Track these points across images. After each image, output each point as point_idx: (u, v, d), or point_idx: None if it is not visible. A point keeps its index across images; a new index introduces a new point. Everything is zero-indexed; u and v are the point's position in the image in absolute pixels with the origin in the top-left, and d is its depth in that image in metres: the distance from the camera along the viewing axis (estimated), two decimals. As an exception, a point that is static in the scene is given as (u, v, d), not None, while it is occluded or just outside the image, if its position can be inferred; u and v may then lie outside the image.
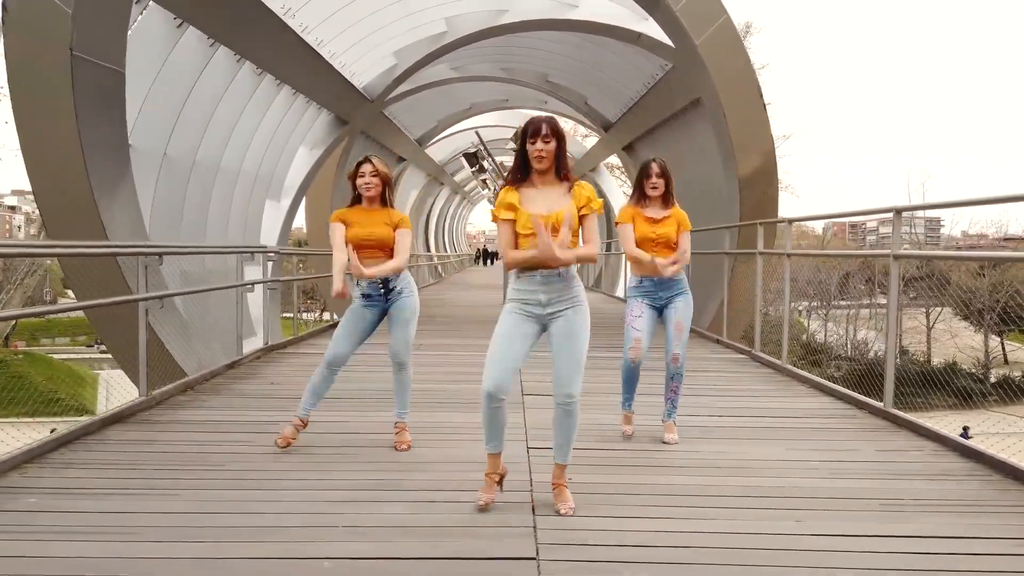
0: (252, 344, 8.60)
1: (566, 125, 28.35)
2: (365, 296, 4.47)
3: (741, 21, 49.16)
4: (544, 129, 3.40)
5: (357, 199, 4.49)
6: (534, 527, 3.25)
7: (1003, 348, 39.48)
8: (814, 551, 3.05)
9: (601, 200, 3.61)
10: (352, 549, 3.01)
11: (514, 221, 3.44)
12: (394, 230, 4.44)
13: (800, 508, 3.54)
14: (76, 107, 5.88)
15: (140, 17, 6.98)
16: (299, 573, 2.83)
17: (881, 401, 5.49)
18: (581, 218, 3.46)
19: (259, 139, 11.41)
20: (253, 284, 7.76)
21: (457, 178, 40.49)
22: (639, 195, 4.76)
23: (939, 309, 38.40)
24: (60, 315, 50.22)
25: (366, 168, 4.43)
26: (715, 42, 9.13)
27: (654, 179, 4.69)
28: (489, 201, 51.12)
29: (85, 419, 4.86)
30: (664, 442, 4.63)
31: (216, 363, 7.21)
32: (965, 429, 17.70)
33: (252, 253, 7.75)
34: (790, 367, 7.36)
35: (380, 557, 2.95)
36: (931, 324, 38.72)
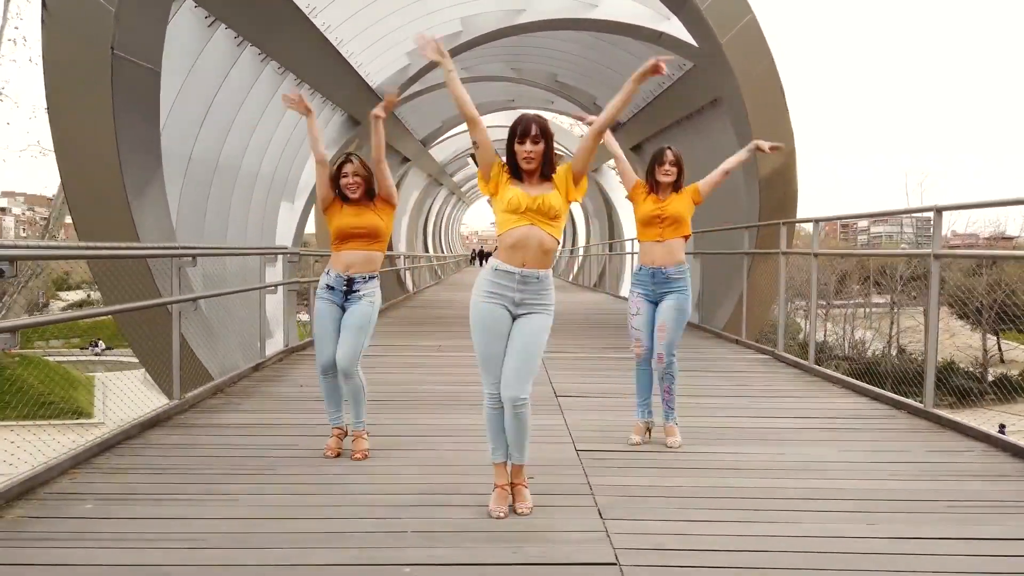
0: (272, 346, 8.53)
1: (565, 126, 28.36)
2: (328, 288, 4.39)
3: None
4: (534, 130, 3.30)
5: (341, 194, 4.39)
6: (606, 532, 3.21)
7: (999, 347, 39.69)
8: (889, 554, 3.02)
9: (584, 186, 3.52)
10: (430, 555, 2.97)
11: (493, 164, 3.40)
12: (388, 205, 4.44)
13: (869, 511, 3.50)
14: (114, 107, 5.79)
15: (173, 16, 6.88)
16: (380, 580, 2.78)
17: (920, 401, 5.48)
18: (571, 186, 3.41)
19: (277, 140, 11.34)
20: (276, 286, 7.69)
21: (456, 178, 40.43)
22: (651, 182, 4.63)
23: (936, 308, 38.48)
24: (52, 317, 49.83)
25: (348, 169, 4.35)
26: (740, 41, 9.10)
27: (667, 166, 4.57)
28: (489, 204, 50.97)
29: (126, 424, 4.78)
30: (667, 446, 4.50)
31: (238, 365, 7.15)
32: (1002, 427, 17.72)
33: (275, 254, 7.68)
34: (817, 367, 7.34)
35: (460, 563, 2.90)
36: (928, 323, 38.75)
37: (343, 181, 4.35)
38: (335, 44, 10.33)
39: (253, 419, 5.30)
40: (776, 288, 8.58)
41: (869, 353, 36.72)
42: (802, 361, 7.61)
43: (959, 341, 36.84)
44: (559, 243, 3.45)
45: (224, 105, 8.92)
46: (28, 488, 3.64)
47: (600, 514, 3.42)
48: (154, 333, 5.68)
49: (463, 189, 47.12)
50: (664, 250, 4.55)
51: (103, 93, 5.75)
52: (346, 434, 4.48)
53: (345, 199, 4.38)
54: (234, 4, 7.91)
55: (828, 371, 7.24)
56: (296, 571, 2.84)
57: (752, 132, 8.76)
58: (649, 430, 4.68)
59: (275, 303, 8.92)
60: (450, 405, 5.72)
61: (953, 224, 45.11)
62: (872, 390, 6.21)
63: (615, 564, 2.89)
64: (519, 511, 3.39)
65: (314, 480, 3.91)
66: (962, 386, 29.45)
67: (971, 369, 35.10)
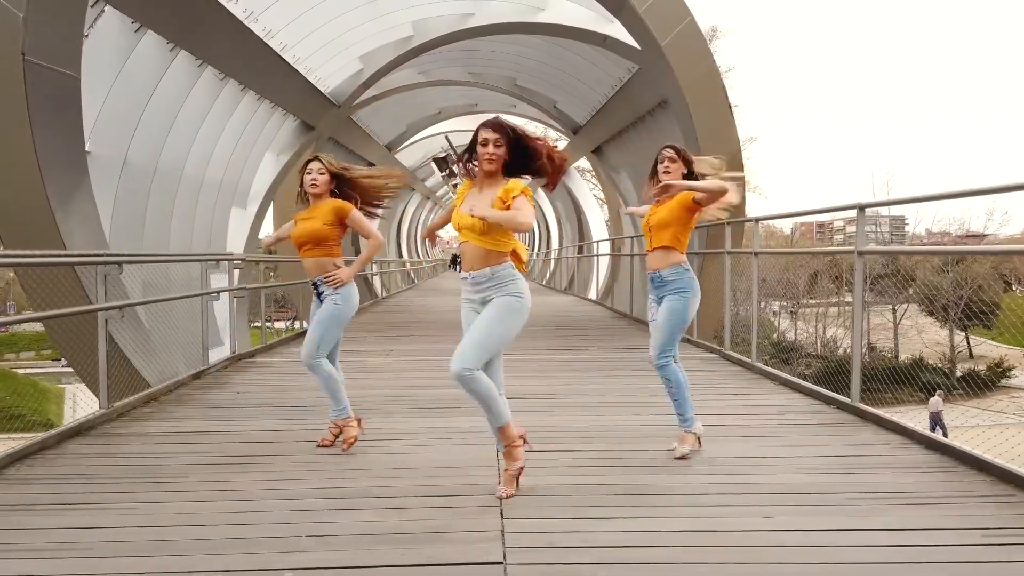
0: (220, 354, 8.46)
1: (537, 129, 28.45)
2: (313, 285, 4.57)
3: (707, 25, 49.72)
4: (493, 134, 3.44)
5: (306, 198, 4.53)
6: (502, 531, 3.21)
7: (968, 343, 40.28)
8: (783, 547, 3.06)
9: (523, 184, 3.55)
10: (317, 559, 2.95)
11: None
12: (340, 221, 4.46)
13: (768, 504, 3.54)
14: (30, 114, 5.73)
15: (97, 21, 6.81)
16: (262, 585, 2.76)
17: (848, 397, 5.54)
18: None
19: (223, 145, 11.24)
20: (218, 292, 7.63)
21: (428, 183, 40.39)
22: (655, 185, 4.45)
23: (905, 306, 39.09)
24: (23, 328, 49.12)
25: (313, 166, 4.49)
26: (680, 43, 9.18)
27: (666, 163, 4.44)
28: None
29: (43, 434, 4.72)
30: (674, 455, 4.29)
31: (179, 373, 7.08)
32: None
33: (217, 261, 7.62)
34: (760, 365, 7.40)
35: (345, 567, 2.89)
36: (897, 320, 39.38)
37: (305, 179, 4.47)
38: (278, 50, 10.27)
39: (180, 427, 5.25)
40: (728, 288, 8.64)
41: (840, 351, 37.13)
42: (745, 359, 7.68)
43: (927, 337, 37.42)
44: (496, 249, 3.56)
45: (160, 109, 8.83)
46: (-74, 500, 3.58)
47: (502, 514, 3.42)
48: (84, 341, 5.61)
49: (438, 194, 47.06)
50: (657, 255, 4.49)
51: (16, 99, 5.68)
52: (360, 423, 4.63)
53: (307, 202, 4.49)
54: (158, 8, 7.84)
55: (770, 369, 7.30)
56: (180, 578, 2.81)
57: (697, 133, 8.83)
58: (699, 439, 4.43)
59: (223, 310, 8.85)
60: (381, 409, 5.70)
61: (921, 223, 45.75)
62: (807, 387, 6.28)
63: (501, 563, 2.89)
64: (510, 471, 3.63)
65: (219, 487, 3.88)
66: (930, 382, 29.84)
67: (939, 365, 35.60)
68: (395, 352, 8.97)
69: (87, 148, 7.19)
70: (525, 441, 3.72)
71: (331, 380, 4.53)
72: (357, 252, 24.47)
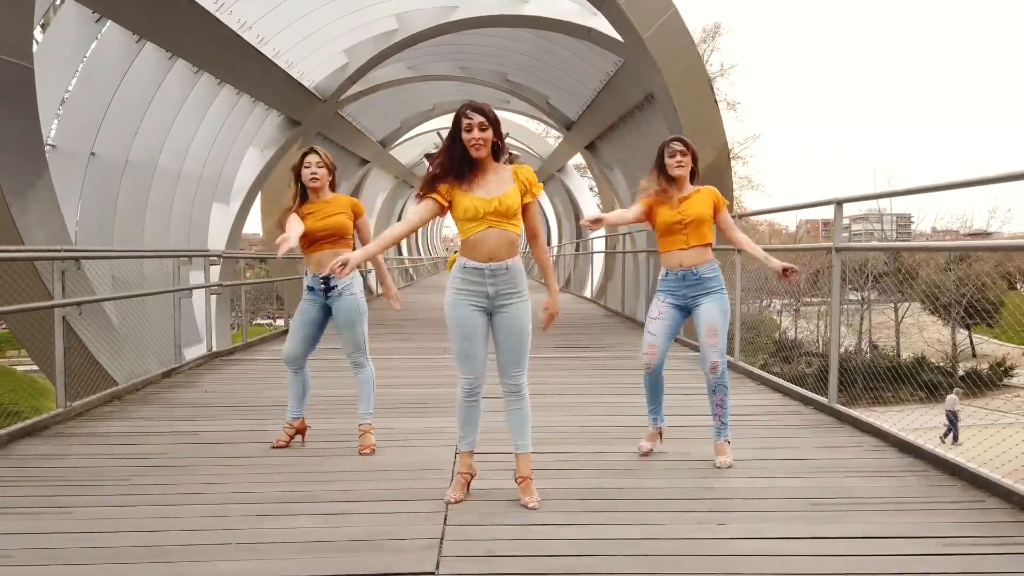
0: (197, 352, 8.34)
1: (531, 125, 28.30)
2: (309, 289, 4.39)
3: (710, 22, 49.48)
4: (478, 117, 3.26)
5: (302, 192, 4.37)
6: (441, 539, 3.07)
7: (971, 341, 40.00)
8: (734, 556, 2.92)
9: (541, 184, 3.51)
10: (241, 568, 2.82)
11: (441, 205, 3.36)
12: (354, 219, 4.42)
13: (727, 510, 3.39)
14: (-19, 107, 5.60)
15: (57, 12, 6.68)
16: (179, 596, 2.62)
17: (826, 397, 5.39)
18: (524, 207, 3.38)
19: (201, 139, 11.08)
20: (191, 289, 7.50)
21: (427, 181, 40.20)
22: (664, 180, 4.13)
23: (907, 304, 38.83)
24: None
25: (311, 159, 4.35)
26: (663, 36, 9.01)
27: (678, 156, 4.09)
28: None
29: (-7, 433, 4.59)
30: (716, 466, 4.03)
31: (150, 372, 6.95)
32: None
33: (190, 257, 7.48)
34: (743, 364, 7.26)
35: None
36: (899, 319, 39.12)
37: (305, 172, 4.31)
38: (254, 43, 10.10)
39: (138, 427, 5.12)
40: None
41: (841, 350, 36.92)
42: (728, 358, 7.52)
43: (929, 336, 37.14)
44: (519, 235, 3.44)
45: (128, 101, 8.67)
46: None
47: (445, 520, 3.28)
48: (46, 338, 5.49)
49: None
50: (694, 251, 4.09)
51: (-36, 90, 5.56)
52: (297, 431, 4.47)
53: (305, 198, 4.34)
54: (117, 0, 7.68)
55: (752, 368, 7.16)
56: (94, 588, 2.68)
57: (683, 127, 8.67)
58: (661, 433, 4.32)
59: (201, 308, 8.72)
60: (343, 411, 5.56)
61: (924, 220, 45.51)
62: (786, 387, 6.13)
63: (432, 574, 2.75)
64: (529, 506, 3.38)
65: (161, 490, 3.74)
66: (932, 380, 29.62)
67: (941, 364, 35.34)
68: (376, 351, 8.82)
69: (50, 142, 7.07)
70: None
71: (371, 380, 4.49)
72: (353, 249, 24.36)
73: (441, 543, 3.02)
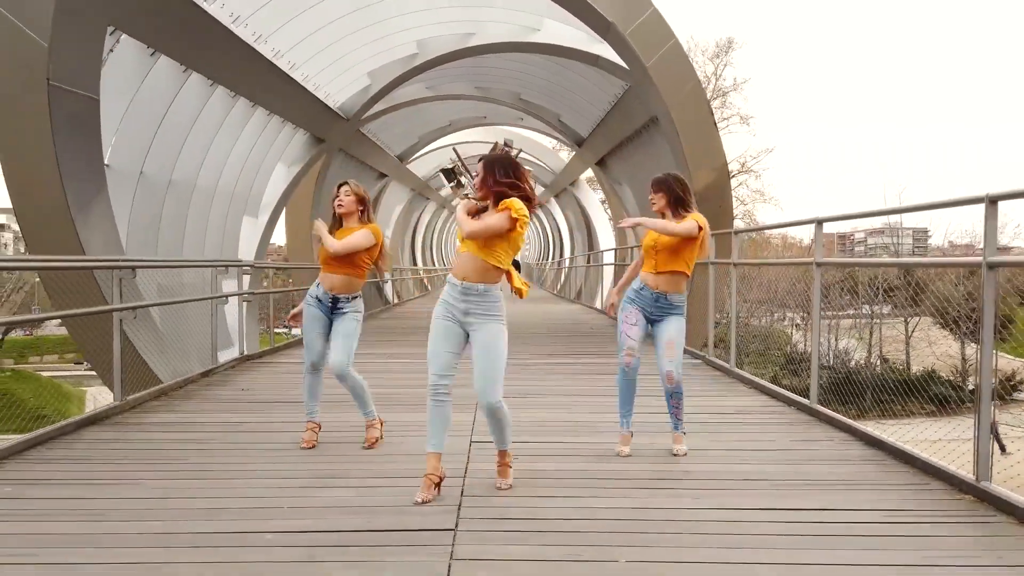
0: (230, 355, 8.97)
1: (544, 141, 28.89)
2: (317, 299, 4.89)
3: (723, 37, 49.89)
4: (482, 171, 3.79)
5: (338, 223, 4.88)
6: (459, 505, 3.64)
7: (979, 356, 39.89)
8: (705, 521, 3.46)
9: (515, 203, 3.68)
10: (294, 525, 3.39)
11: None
12: (373, 247, 4.82)
13: (702, 488, 3.94)
14: (53, 132, 6.30)
15: (116, 46, 7.39)
16: (244, 544, 3.20)
17: (808, 399, 5.91)
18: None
19: (235, 158, 11.84)
20: (227, 296, 8.13)
21: (443, 193, 41.00)
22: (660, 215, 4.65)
23: (916, 319, 39.00)
24: (47, 332, 50.26)
25: (342, 189, 4.88)
26: (664, 65, 9.62)
27: (651, 194, 4.65)
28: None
29: (62, 421, 5.21)
30: (674, 454, 4.56)
31: (192, 372, 7.58)
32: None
33: (226, 267, 8.15)
34: (737, 370, 7.77)
35: (316, 531, 3.33)
36: (910, 333, 39.31)
37: (336, 201, 4.83)
38: (286, 69, 10.84)
39: (185, 418, 5.73)
40: (712, 297, 9.03)
41: (852, 363, 37.11)
42: (725, 364, 8.06)
43: (939, 350, 37.29)
44: (496, 266, 3.72)
45: (175, 125, 9.42)
46: (-43, 475, 4.07)
47: (462, 492, 3.85)
48: (102, 340, 6.11)
49: (453, 203, 47.62)
50: (665, 279, 4.56)
51: (42, 120, 6.24)
52: (319, 427, 4.91)
53: (339, 224, 4.85)
54: (170, 35, 8.43)
55: (745, 374, 7.67)
56: (177, 538, 3.24)
57: (684, 148, 9.24)
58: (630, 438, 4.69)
59: (233, 314, 9.36)
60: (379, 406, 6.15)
61: (936, 233, 45.56)
62: (773, 390, 6.65)
63: (452, 530, 3.32)
64: (499, 486, 3.85)
65: (215, 467, 4.35)
66: (941, 394, 29.78)
67: (951, 378, 35.45)
68: (397, 355, 9.44)
69: (106, 162, 7.75)
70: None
71: (361, 386, 4.87)
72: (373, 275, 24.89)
73: (459, 508, 3.60)
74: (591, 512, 3.57)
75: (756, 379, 7.28)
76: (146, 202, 9.17)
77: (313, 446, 4.78)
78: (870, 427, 5.41)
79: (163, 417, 5.75)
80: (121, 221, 7.95)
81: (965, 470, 4.06)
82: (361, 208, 4.87)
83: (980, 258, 3.77)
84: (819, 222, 5.86)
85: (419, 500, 3.68)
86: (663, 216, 4.67)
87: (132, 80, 8.33)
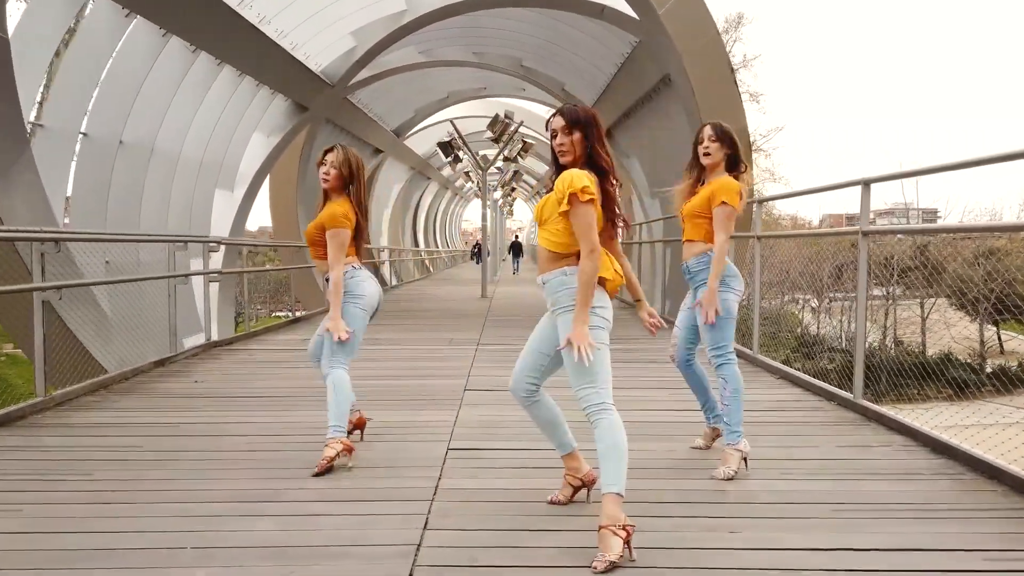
0: (197, 341, 8.11)
1: (546, 114, 27.82)
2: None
3: (733, 12, 48.74)
4: (559, 121, 2.89)
5: (325, 197, 3.96)
6: (419, 545, 2.76)
7: (999, 338, 39.08)
8: (744, 569, 2.57)
9: (576, 176, 2.82)
10: (189, 574, 2.52)
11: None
12: (324, 231, 3.85)
13: (740, 516, 3.05)
14: (-50, 79, 5.36)
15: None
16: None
17: (851, 392, 5.01)
18: (563, 214, 2.84)
19: (201, 123, 10.79)
20: (186, 276, 7.24)
21: (445, 172, 39.96)
22: (697, 170, 3.86)
23: (933, 300, 38.02)
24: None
25: (328, 157, 3.91)
26: (679, 11, 8.57)
27: (706, 142, 3.78)
28: (476, 195, 50.47)
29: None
30: (712, 476, 3.60)
31: (146, 360, 6.71)
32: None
33: (186, 242, 7.21)
34: (761, 358, 6.88)
35: (219, 586, 2.45)
36: (926, 315, 38.32)
37: (321, 173, 3.90)
38: (255, 22, 9.78)
39: (118, 418, 4.87)
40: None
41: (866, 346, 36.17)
42: (746, 351, 7.15)
43: (956, 332, 36.27)
44: (558, 249, 2.90)
45: (121, 80, 8.40)
46: None
47: (426, 524, 2.96)
48: (26, 324, 5.25)
49: (456, 184, 46.60)
50: (687, 246, 3.88)
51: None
52: (356, 425, 4.17)
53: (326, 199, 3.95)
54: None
55: (771, 362, 6.78)
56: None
57: (700, 109, 8.27)
58: (718, 434, 4.00)
59: (200, 295, 8.48)
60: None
61: (952, 214, 44.41)
62: (807, 380, 5.77)
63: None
64: (596, 568, 2.55)
65: (126, 486, 3.46)
66: (960, 378, 28.92)
67: (969, 361, 34.50)
68: (380, 340, 8.56)
69: (39, 121, 6.85)
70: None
71: (332, 388, 3.85)
72: (367, 241, 24.23)
73: (418, 549, 2.71)
74: (591, 554, 2.67)
75: (785, 368, 6.38)
76: (90, 168, 8.22)
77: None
78: (891, 411, 4.54)
79: (90, 417, 4.88)
80: (58, 188, 7.04)
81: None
82: (342, 181, 3.90)
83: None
84: (866, 183, 4.91)
85: (551, 499, 3.18)
86: (702, 172, 3.82)
87: (61, 23, 7.31)
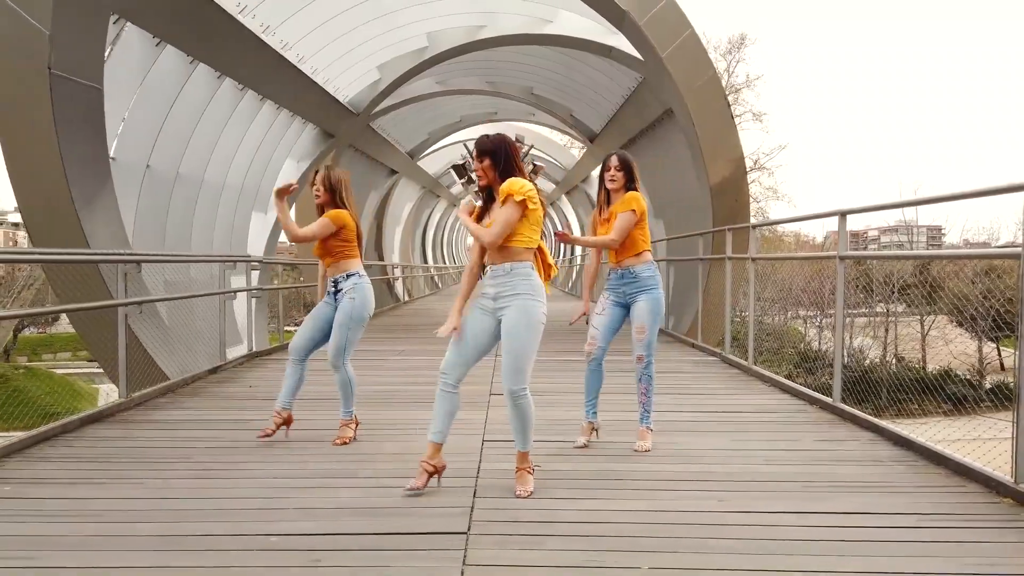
0: (238, 352, 8.85)
1: (554, 137, 28.69)
2: (334, 283, 4.83)
3: (736, 33, 49.64)
4: (475, 153, 3.67)
5: (321, 210, 4.80)
6: (471, 507, 3.48)
7: (999, 354, 39.54)
8: (731, 525, 3.28)
9: (517, 185, 3.56)
10: (300, 527, 3.24)
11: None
12: (336, 231, 4.71)
13: (726, 490, 3.76)
14: (56, 123, 6.18)
15: (120, 35, 7.26)
16: (248, 547, 3.05)
17: (831, 397, 5.72)
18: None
19: (243, 152, 11.71)
20: (236, 292, 8.01)
21: (454, 191, 40.85)
22: (604, 194, 4.64)
23: (933, 317, 38.55)
24: (61, 330, 50.54)
25: (317, 177, 4.77)
26: (680, 55, 9.41)
27: (613, 171, 4.54)
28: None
29: (64, 419, 5.09)
30: (635, 449, 4.48)
31: (199, 368, 7.46)
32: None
33: (234, 262, 8.01)
34: (755, 368, 7.57)
35: (324, 534, 3.17)
36: (926, 331, 38.86)
37: (313, 189, 4.76)
38: (295, 62, 10.70)
39: (190, 415, 5.61)
40: (729, 293, 8.84)
41: (867, 362, 36.74)
42: (743, 362, 7.86)
43: (955, 348, 36.80)
44: (516, 245, 3.62)
45: (181, 118, 9.30)
46: (-45, 473, 3.95)
47: (475, 494, 3.69)
48: (108, 335, 6.00)
49: (464, 201, 47.31)
50: (630, 261, 4.56)
51: (44, 110, 6.13)
52: (284, 421, 4.79)
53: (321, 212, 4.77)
54: (177, 24, 8.31)
55: (764, 372, 7.47)
56: (177, 540, 3.11)
57: (700, 141, 9.04)
58: (596, 430, 4.68)
59: (241, 310, 9.24)
60: (377, 402, 6.02)
61: (952, 231, 45.00)
62: (795, 388, 6.46)
63: (463, 533, 3.16)
64: (518, 493, 3.62)
65: (220, 466, 4.20)
66: (958, 393, 29.39)
67: (967, 376, 34.99)
68: (407, 352, 9.31)
69: (112, 155, 7.63)
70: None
71: (349, 383, 4.79)
72: (380, 258, 24.72)
73: (471, 511, 3.44)
74: (610, 515, 3.40)
75: (775, 376, 7.09)
76: (153, 196, 9.05)
77: (268, 435, 4.66)
78: (863, 413, 5.23)
79: (169, 415, 5.62)
80: (127, 215, 7.83)
81: (1002, 471, 3.88)
82: (330, 195, 4.73)
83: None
84: (843, 214, 5.65)
85: (409, 488, 3.62)
86: (612, 191, 4.59)
87: (137, 71, 8.21)
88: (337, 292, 4.78)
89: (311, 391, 6.44)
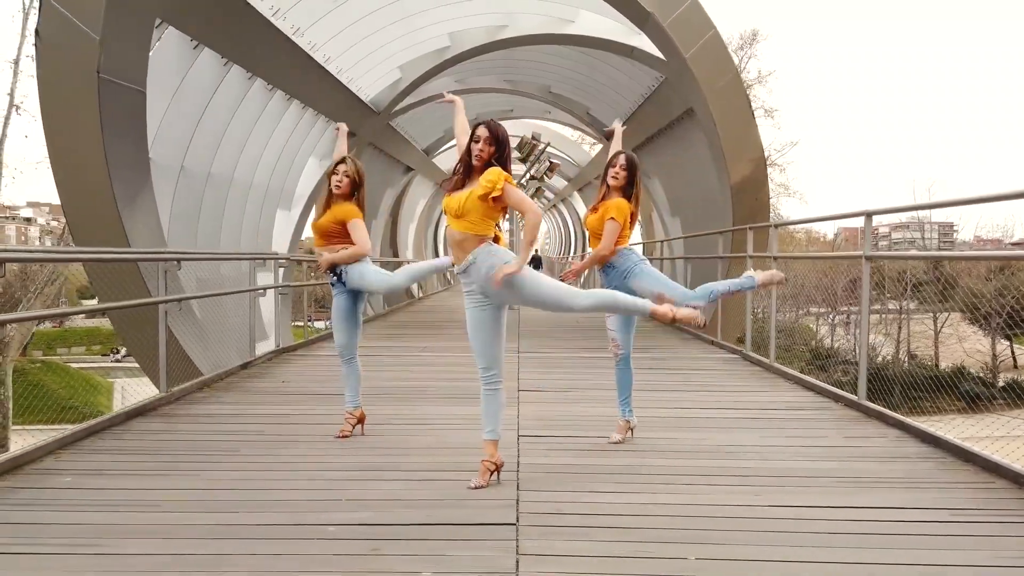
0: (265, 347, 9.02)
1: (567, 133, 28.73)
2: (332, 284, 4.93)
3: (748, 29, 49.42)
4: (485, 132, 3.65)
5: (329, 198, 4.82)
6: (517, 500, 3.62)
7: (1012, 352, 39.41)
8: (766, 519, 3.40)
9: (503, 177, 3.59)
10: (355, 518, 3.39)
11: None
12: (343, 224, 4.72)
13: (759, 484, 3.88)
14: (102, 124, 6.36)
15: (159, 40, 7.45)
16: (305, 536, 3.19)
17: (856, 395, 5.82)
18: (495, 198, 3.58)
19: (270, 151, 11.92)
20: (265, 289, 8.17)
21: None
22: (604, 188, 4.68)
23: (946, 314, 38.44)
24: (75, 324, 51.07)
25: (340, 168, 4.81)
26: (704, 55, 9.51)
27: (618, 168, 4.61)
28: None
29: (111, 413, 5.25)
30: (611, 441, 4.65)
31: (230, 364, 7.63)
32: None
33: (264, 260, 8.17)
34: (777, 365, 7.68)
35: (379, 524, 3.32)
36: (939, 328, 38.75)
37: (333, 179, 4.79)
38: (322, 62, 10.88)
39: (230, 410, 5.77)
40: (750, 292, 8.93)
41: (879, 359, 36.68)
42: (764, 360, 7.96)
43: (969, 346, 36.68)
44: (473, 233, 3.64)
45: (214, 119, 9.50)
46: (15, 465, 4.12)
47: (518, 487, 3.82)
48: (145, 331, 6.17)
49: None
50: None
51: (91, 111, 6.31)
52: (357, 420, 4.90)
53: (330, 201, 4.80)
54: (214, 28, 8.48)
55: (786, 369, 7.57)
56: (236, 529, 3.26)
57: (722, 140, 9.13)
58: (631, 429, 4.76)
59: (268, 306, 9.41)
60: (412, 397, 6.16)
61: (964, 229, 44.83)
62: (818, 385, 6.56)
63: (513, 524, 3.30)
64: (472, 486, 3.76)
65: (269, 459, 4.35)
66: (971, 391, 29.35)
67: (981, 375, 34.90)
68: (433, 348, 9.47)
69: (150, 156, 7.81)
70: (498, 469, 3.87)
71: (351, 374, 4.93)
72: (395, 254, 24.85)
73: (517, 503, 3.57)
74: (651, 508, 3.53)
75: (798, 374, 7.20)
76: (187, 195, 9.26)
77: (346, 436, 4.77)
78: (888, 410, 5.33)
79: (209, 409, 5.78)
80: (163, 215, 8.01)
81: (1030, 468, 3.98)
82: (351, 188, 4.77)
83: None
84: (869, 215, 5.75)
85: (473, 485, 3.75)
86: (612, 188, 4.64)
87: (175, 74, 8.40)
88: (340, 280, 4.84)
89: (337, 387, 6.62)
